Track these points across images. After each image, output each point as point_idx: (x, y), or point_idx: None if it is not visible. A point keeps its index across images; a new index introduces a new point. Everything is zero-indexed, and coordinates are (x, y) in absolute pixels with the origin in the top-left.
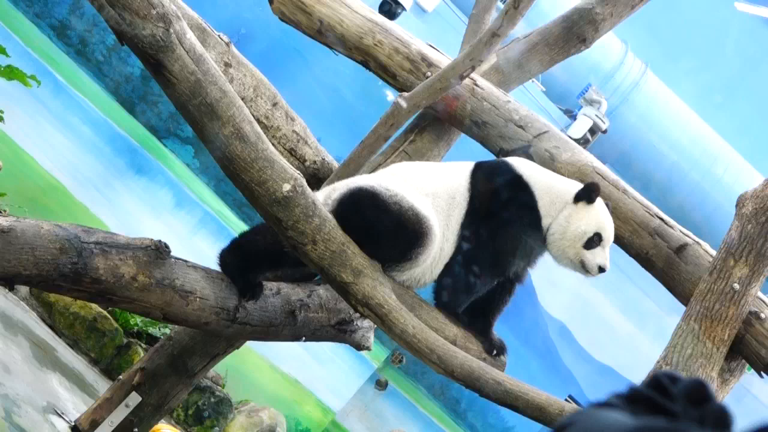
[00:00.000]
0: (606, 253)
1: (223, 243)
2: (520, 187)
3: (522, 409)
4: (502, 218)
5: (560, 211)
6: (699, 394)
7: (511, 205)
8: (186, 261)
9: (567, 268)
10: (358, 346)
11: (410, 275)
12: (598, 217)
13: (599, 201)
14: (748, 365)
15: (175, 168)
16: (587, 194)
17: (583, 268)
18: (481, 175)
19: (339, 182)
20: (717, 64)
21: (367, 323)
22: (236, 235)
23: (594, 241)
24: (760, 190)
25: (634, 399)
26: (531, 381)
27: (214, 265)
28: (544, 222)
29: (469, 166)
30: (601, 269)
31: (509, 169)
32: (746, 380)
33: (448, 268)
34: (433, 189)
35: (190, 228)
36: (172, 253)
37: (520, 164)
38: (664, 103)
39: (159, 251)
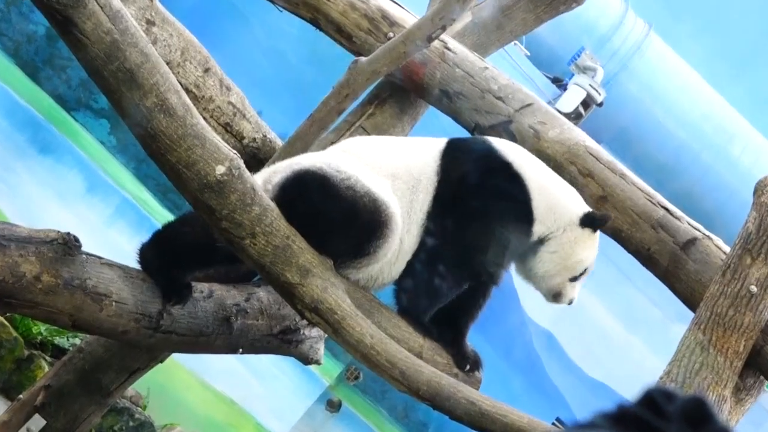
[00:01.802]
0: (579, 286)
1: (145, 236)
2: (509, 178)
3: None
4: (479, 209)
5: (562, 228)
6: (697, 414)
7: (494, 196)
8: (100, 257)
9: (534, 287)
10: (306, 360)
11: (367, 273)
12: (595, 250)
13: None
14: (767, 382)
15: (87, 146)
16: (597, 224)
17: (554, 297)
18: (456, 155)
19: (280, 163)
20: (731, 24)
21: (316, 332)
22: (160, 226)
23: (582, 274)
24: None
25: (623, 419)
26: (511, 401)
27: (134, 262)
28: (537, 228)
29: (440, 143)
30: (570, 302)
31: (494, 153)
32: (766, 400)
33: (411, 266)
34: (394, 169)
35: (105, 218)
36: (83, 248)
37: (508, 149)
38: (670, 70)
39: (67, 246)
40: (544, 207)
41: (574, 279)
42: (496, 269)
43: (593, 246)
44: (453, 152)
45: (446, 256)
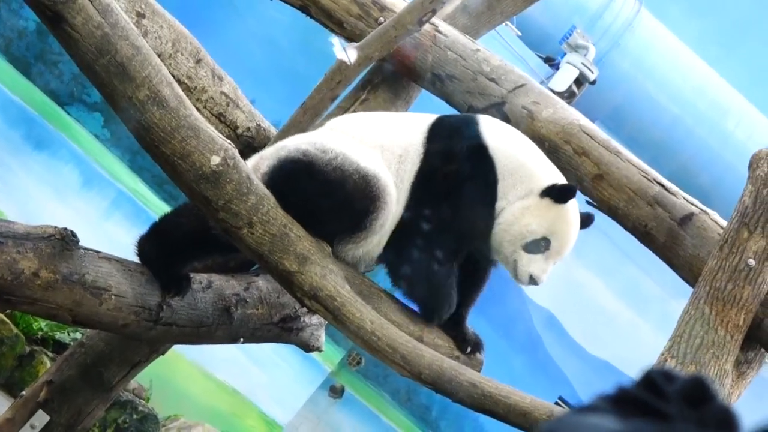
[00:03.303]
0: (546, 266)
1: (142, 228)
2: (480, 158)
3: (503, 415)
4: (452, 187)
5: (519, 198)
6: (698, 394)
7: (466, 174)
8: (98, 251)
9: (500, 262)
10: (307, 347)
11: (368, 246)
12: (557, 221)
13: (573, 207)
14: None
15: (81, 140)
16: (557, 193)
17: (515, 272)
18: (441, 131)
19: (267, 149)
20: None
21: (316, 319)
22: (157, 218)
23: (539, 245)
24: None
25: (623, 401)
26: (514, 382)
27: (131, 255)
28: (499, 205)
29: (430, 119)
30: (532, 280)
31: (475, 132)
32: (767, 372)
33: (397, 240)
34: (382, 140)
35: (102, 211)
36: (80, 243)
37: (489, 129)
38: (663, 46)
39: (65, 241)
40: (509, 184)
41: (530, 250)
42: (472, 245)
43: (549, 216)
44: (439, 129)
45: (426, 230)
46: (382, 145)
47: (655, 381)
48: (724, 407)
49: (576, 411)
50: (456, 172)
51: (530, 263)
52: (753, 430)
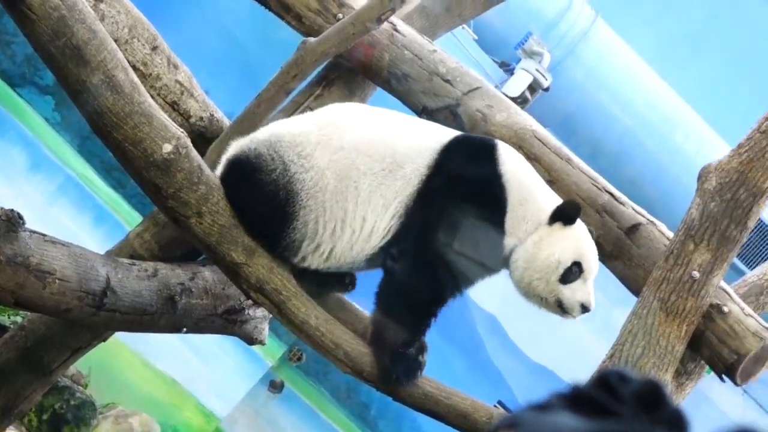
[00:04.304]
0: (589, 288)
1: (89, 214)
2: (492, 187)
3: (443, 415)
4: (458, 219)
5: (530, 234)
6: (652, 397)
7: (472, 204)
8: (43, 235)
9: (538, 306)
10: (250, 340)
11: (318, 252)
12: (577, 242)
13: (579, 224)
14: (707, 367)
15: (31, 123)
16: (564, 214)
17: (560, 308)
18: (458, 157)
19: (254, 134)
20: (679, 12)
21: (261, 312)
22: (103, 203)
23: (573, 272)
24: (726, 163)
25: (577, 400)
26: (454, 383)
27: (76, 239)
28: (507, 242)
29: (446, 136)
30: (585, 308)
31: (491, 158)
32: (705, 384)
33: (384, 257)
34: (369, 148)
35: (49, 195)
36: (26, 225)
37: (507, 157)
38: (617, 57)
39: (11, 223)
40: (517, 217)
41: (566, 280)
42: (464, 281)
43: (567, 240)
44: (456, 151)
45: (417, 255)
46: (370, 155)
47: (610, 381)
48: (678, 411)
49: (533, 408)
50: (463, 198)
51: (575, 293)
52: None
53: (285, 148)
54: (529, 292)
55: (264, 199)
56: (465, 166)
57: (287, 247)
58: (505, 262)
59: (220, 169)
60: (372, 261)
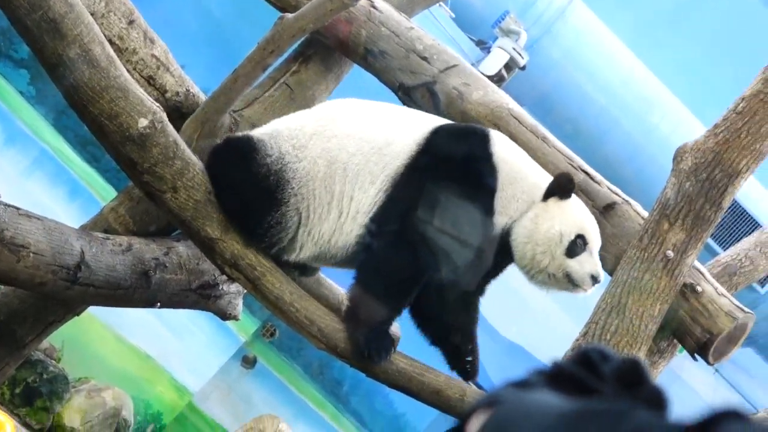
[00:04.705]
0: (596, 259)
1: (63, 188)
2: (482, 165)
3: (416, 392)
4: (444, 195)
5: (524, 211)
6: (632, 375)
7: (462, 181)
8: (18, 208)
9: (547, 287)
10: (224, 315)
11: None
12: (577, 215)
13: (576, 199)
14: (680, 346)
15: (6, 96)
16: (559, 188)
17: (570, 282)
18: (444, 134)
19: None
20: None
21: (235, 288)
22: (77, 177)
23: (578, 245)
24: (701, 143)
25: (557, 377)
26: (427, 360)
27: (51, 213)
28: (498, 220)
29: (440, 122)
30: (594, 279)
31: (483, 139)
32: (676, 363)
33: (366, 237)
34: (360, 140)
35: (23, 169)
36: (0, 199)
37: (498, 140)
38: (594, 36)
39: None
40: (507, 195)
41: (572, 254)
42: (447, 261)
43: (566, 213)
44: (448, 132)
45: (399, 231)
46: (358, 134)
47: (591, 359)
48: (658, 390)
49: (513, 385)
50: (453, 174)
51: (583, 265)
52: (701, 417)
53: (282, 140)
54: (534, 269)
55: (253, 180)
56: (456, 144)
57: (268, 233)
58: (500, 243)
59: (218, 141)
60: (356, 253)
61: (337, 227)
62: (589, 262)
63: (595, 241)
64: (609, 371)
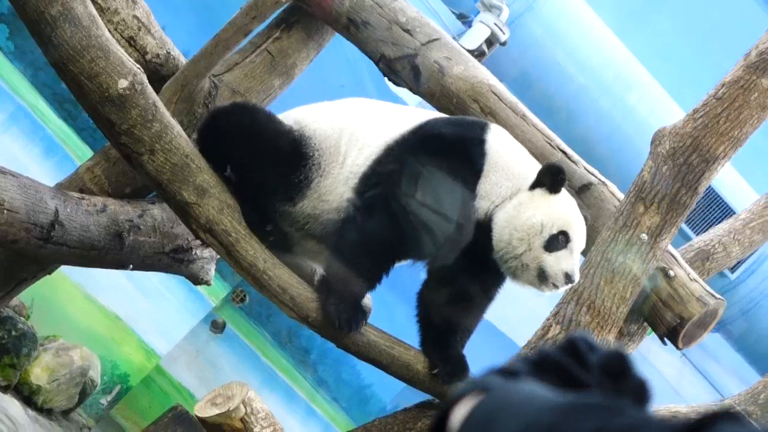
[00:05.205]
0: (574, 260)
1: (38, 145)
2: (472, 149)
3: (385, 365)
4: (430, 171)
5: (507, 198)
6: (618, 366)
7: (449, 159)
8: None
9: (516, 277)
10: (196, 280)
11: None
12: (565, 212)
13: (570, 197)
14: (650, 329)
15: None
16: (548, 179)
17: (542, 276)
18: (446, 120)
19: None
20: None
21: (208, 253)
22: (53, 135)
23: (559, 241)
24: (680, 127)
25: (543, 366)
26: (395, 332)
27: (25, 170)
28: (479, 204)
29: (420, 118)
30: (569, 278)
31: (480, 128)
32: (644, 346)
33: (357, 198)
34: (354, 121)
35: None
36: None
37: (495, 131)
38: (575, 14)
39: None
40: (491, 181)
41: (551, 248)
42: (424, 238)
43: (553, 206)
44: (449, 119)
45: (379, 203)
46: (356, 115)
47: (578, 348)
48: (643, 381)
49: (498, 372)
50: (442, 152)
51: (559, 261)
52: (698, 418)
53: (295, 113)
54: (509, 254)
55: (278, 134)
56: (453, 128)
57: (289, 187)
58: (483, 229)
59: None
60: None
61: (333, 185)
62: (566, 260)
63: (578, 241)
64: (595, 361)
